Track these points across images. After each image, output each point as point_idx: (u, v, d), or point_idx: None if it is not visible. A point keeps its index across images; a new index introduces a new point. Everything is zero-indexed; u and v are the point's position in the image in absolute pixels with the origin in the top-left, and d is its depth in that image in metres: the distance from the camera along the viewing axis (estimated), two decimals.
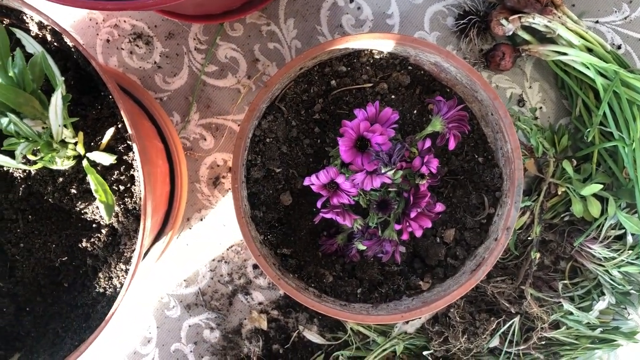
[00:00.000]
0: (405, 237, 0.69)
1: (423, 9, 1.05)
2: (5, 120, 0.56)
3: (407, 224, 0.68)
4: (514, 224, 0.75)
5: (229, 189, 1.06)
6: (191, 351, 1.07)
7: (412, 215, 0.67)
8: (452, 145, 0.67)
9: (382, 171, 0.63)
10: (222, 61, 1.05)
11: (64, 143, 0.64)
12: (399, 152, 0.62)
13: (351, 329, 1.02)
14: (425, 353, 1.00)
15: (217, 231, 1.06)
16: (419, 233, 0.68)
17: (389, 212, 0.69)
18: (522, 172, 0.74)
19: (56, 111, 0.58)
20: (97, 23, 1.05)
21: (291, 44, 1.05)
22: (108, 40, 1.05)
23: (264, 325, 1.06)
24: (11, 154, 0.64)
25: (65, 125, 0.62)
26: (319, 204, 0.69)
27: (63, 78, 0.62)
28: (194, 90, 1.05)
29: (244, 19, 1.04)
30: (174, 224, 0.97)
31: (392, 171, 0.63)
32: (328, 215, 0.68)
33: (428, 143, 0.68)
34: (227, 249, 1.06)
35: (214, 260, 1.06)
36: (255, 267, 1.06)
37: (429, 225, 0.68)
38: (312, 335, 1.04)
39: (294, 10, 1.05)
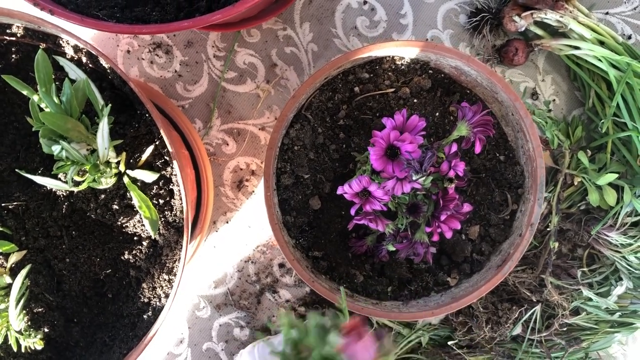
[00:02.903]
0: (435, 238, 0.72)
1: (436, 7, 1.07)
2: (57, 148, 0.59)
3: (437, 226, 0.71)
4: (537, 220, 0.78)
5: (253, 191, 1.09)
6: (222, 349, 1.10)
7: (442, 218, 0.70)
8: (478, 149, 0.70)
9: (414, 178, 0.66)
10: (240, 67, 1.07)
11: (107, 163, 0.67)
12: (430, 159, 0.65)
13: (376, 322, 1.05)
14: (450, 343, 1.04)
15: (243, 233, 1.09)
16: (449, 235, 0.71)
17: (419, 215, 0.72)
18: (543, 169, 0.77)
19: (103, 135, 0.61)
20: (116, 35, 1.07)
21: (307, 48, 1.07)
22: (128, 51, 1.07)
23: None
24: (54, 175, 0.67)
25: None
26: (352, 211, 0.72)
27: (103, 102, 0.64)
28: (214, 96, 1.07)
29: (261, 25, 1.06)
30: (202, 228, 1.00)
31: (423, 177, 0.66)
32: (361, 222, 0.71)
33: (454, 147, 0.70)
34: (254, 250, 1.09)
35: (240, 260, 1.10)
36: (281, 266, 1.09)
37: (458, 227, 0.71)
38: None
39: (309, 14, 1.07)
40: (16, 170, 0.68)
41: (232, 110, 1.08)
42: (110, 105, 0.61)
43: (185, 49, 1.07)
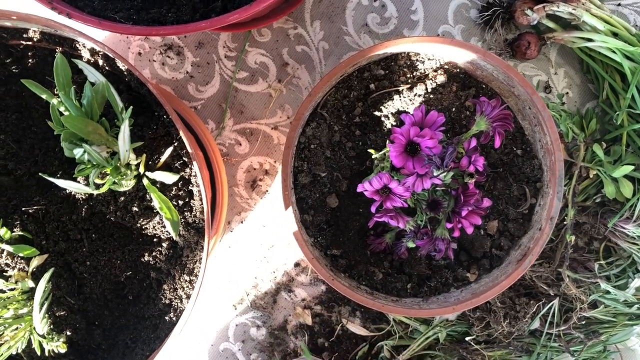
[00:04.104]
0: (456, 234, 0.72)
1: (446, 3, 1.07)
2: (79, 151, 0.59)
3: (458, 221, 0.71)
4: (557, 214, 0.78)
5: (267, 191, 1.09)
6: (239, 349, 1.10)
7: (464, 213, 0.69)
8: (497, 143, 0.70)
9: (435, 174, 0.66)
10: (252, 67, 1.07)
11: (128, 165, 0.67)
12: (451, 155, 0.65)
13: (393, 319, 1.05)
14: (467, 339, 1.04)
15: (258, 232, 1.09)
16: (470, 230, 0.71)
17: (439, 211, 0.72)
18: (562, 163, 0.77)
19: (124, 138, 0.61)
20: (127, 37, 1.07)
21: (319, 46, 1.07)
22: (140, 53, 1.07)
23: (308, 320, 1.09)
24: (74, 179, 0.67)
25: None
26: (372, 209, 0.71)
27: (122, 105, 0.64)
28: (227, 97, 1.07)
29: (271, 24, 1.06)
30: (217, 228, 1.00)
31: (444, 173, 0.66)
32: (382, 219, 0.71)
33: (474, 142, 0.70)
34: (268, 249, 1.09)
35: (256, 260, 1.09)
36: (296, 264, 1.09)
37: (479, 222, 0.71)
38: (356, 328, 1.07)
39: (319, 12, 1.07)
40: (39, 174, 0.68)
41: (245, 110, 1.08)
42: (131, 107, 0.61)
43: (197, 50, 1.07)
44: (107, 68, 0.73)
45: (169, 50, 1.07)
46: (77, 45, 0.72)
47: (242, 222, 1.10)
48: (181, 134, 0.67)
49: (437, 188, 0.73)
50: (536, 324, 1.01)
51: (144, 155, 0.68)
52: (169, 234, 0.75)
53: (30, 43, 0.73)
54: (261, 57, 1.07)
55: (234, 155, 1.09)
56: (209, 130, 1.09)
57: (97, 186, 0.65)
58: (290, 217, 0.79)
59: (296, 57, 1.07)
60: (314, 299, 1.10)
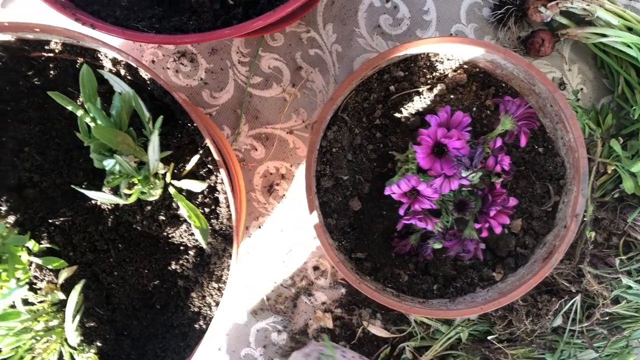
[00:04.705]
0: (484, 234, 0.72)
1: (458, 2, 1.07)
2: (110, 162, 0.59)
3: (486, 221, 0.71)
4: (582, 211, 0.78)
5: (284, 195, 1.08)
6: (261, 355, 1.10)
7: (492, 213, 0.69)
8: (523, 142, 0.70)
9: (463, 175, 0.66)
10: (265, 72, 1.07)
11: (155, 175, 0.67)
12: (480, 155, 0.65)
13: (415, 320, 1.05)
14: (490, 338, 1.03)
15: (276, 237, 1.09)
16: (498, 230, 0.71)
17: (466, 212, 0.72)
18: (586, 159, 0.77)
19: (154, 147, 0.61)
20: (140, 45, 1.07)
21: (332, 49, 1.07)
22: (153, 61, 1.07)
23: (329, 323, 1.09)
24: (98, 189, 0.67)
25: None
26: (401, 211, 0.71)
27: (149, 114, 0.64)
28: (241, 102, 1.07)
29: (284, 28, 1.06)
30: (237, 234, 1.00)
31: (473, 174, 0.66)
32: (410, 221, 0.71)
33: (499, 142, 0.70)
34: (287, 253, 1.09)
35: (274, 265, 1.09)
36: (315, 268, 1.09)
37: (507, 221, 0.71)
38: (377, 330, 1.07)
39: (331, 15, 1.07)
40: (71, 185, 0.68)
41: (259, 116, 1.08)
42: (162, 117, 0.61)
43: (210, 56, 1.07)
44: (129, 77, 0.73)
45: (182, 58, 1.07)
46: (99, 56, 0.72)
47: (259, 227, 1.10)
48: (207, 141, 0.67)
49: (463, 189, 0.73)
50: (558, 321, 1.01)
51: (172, 164, 0.68)
52: (196, 241, 0.75)
53: (51, 55, 0.73)
54: (275, 62, 1.07)
55: (250, 160, 1.09)
56: (225, 137, 1.08)
57: (126, 196, 0.65)
58: (314, 221, 0.79)
59: (309, 60, 1.07)
60: (334, 302, 1.10)
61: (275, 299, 1.10)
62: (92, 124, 0.64)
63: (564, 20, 1.02)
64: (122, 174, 0.61)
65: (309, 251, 1.08)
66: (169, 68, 1.07)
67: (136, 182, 0.64)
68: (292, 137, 1.08)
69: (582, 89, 1.07)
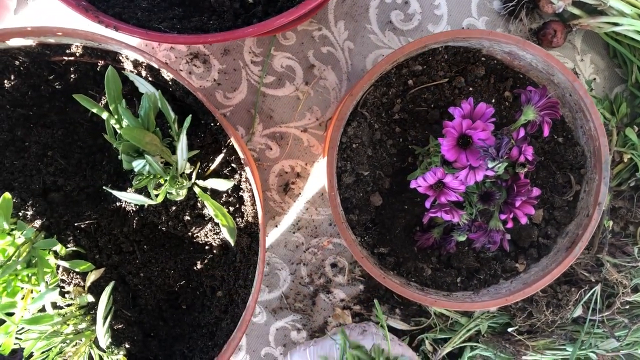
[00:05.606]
0: (510, 225, 0.72)
1: None
2: (140, 162, 0.59)
3: (511, 212, 0.71)
4: (604, 199, 0.78)
5: (299, 193, 1.08)
6: (281, 353, 1.10)
7: (517, 204, 0.70)
8: (546, 132, 0.70)
9: (490, 165, 0.66)
10: (278, 71, 1.07)
11: (182, 174, 0.67)
12: (506, 145, 0.65)
13: (434, 312, 1.05)
14: (510, 330, 1.04)
15: (292, 235, 1.09)
16: (524, 220, 0.71)
17: (492, 203, 0.72)
18: (607, 147, 0.77)
19: (182, 147, 0.61)
20: (153, 48, 1.07)
21: (344, 46, 1.07)
22: (166, 63, 1.06)
23: (348, 320, 1.09)
24: (122, 190, 0.67)
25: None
26: (427, 204, 0.71)
27: (174, 115, 0.64)
28: (255, 102, 1.07)
29: (296, 27, 1.06)
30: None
31: (499, 164, 0.66)
32: (437, 214, 0.71)
33: (522, 132, 0.70)
34: (304, 252, 1.09)
35: (292, 264, 1.09)
36: (333, 265, 1.09)
37: (532, 212, 0.71)
38: (397, 323, 1.07)
39: (343, 12, 1.07)
40: (103, 187, 0.68)
41: (273, 115, 1.08)
42: (190, 116, 0.61)
43: (222, 57, 1.07)
44: (150, 79, 0.73)
45: (195, 59, 1.07)
46: (120, 58, 0.72)
47: (276, 226, 1.10)
48: (232, 140, 0.67)
49: (487, 180, 0.73)
50: (579, 311, 1.01)
51: (198, 164, 0.68)
52: (220, 241, 0.75)
53: (72, 58, 0.73)
54: (287, 61, 1.07)
55: (265, 159, 1.09)
56: (240, 137, 1.09)
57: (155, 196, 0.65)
58: (338, 217, 0.79)
59: (322, 58, 1.07)
60: (352, 299, 1.10)
61: (294, 297, 1.10)
62: (116, 126, 0.64)
63: (575, 11, 1.02)
64: (150, 175, 0.61)
65: (326, 249, 1.09)
66: (181, 70, 1.07)
67: (162, 182, 0.64)
68: (306, 136, 1.08)
69: (594, 79, 1.08)
